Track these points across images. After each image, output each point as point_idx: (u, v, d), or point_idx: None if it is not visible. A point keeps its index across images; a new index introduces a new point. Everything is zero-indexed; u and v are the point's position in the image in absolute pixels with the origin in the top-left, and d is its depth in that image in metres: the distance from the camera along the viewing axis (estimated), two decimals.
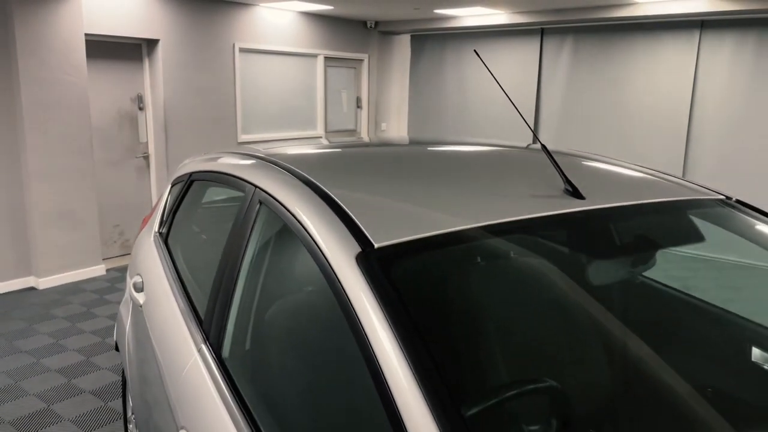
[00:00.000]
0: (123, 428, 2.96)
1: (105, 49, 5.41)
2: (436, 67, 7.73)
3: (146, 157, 5.86)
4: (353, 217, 1.22)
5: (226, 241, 1.63)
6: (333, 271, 1.12)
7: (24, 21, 4.52)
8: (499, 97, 7.22)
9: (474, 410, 1.09)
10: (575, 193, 1.38)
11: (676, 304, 1.66)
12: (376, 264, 1.09)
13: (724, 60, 5.80)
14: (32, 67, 4.61)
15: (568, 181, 1.40)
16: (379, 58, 7.96)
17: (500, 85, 1.80)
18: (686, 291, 1.72)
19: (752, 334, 1.67)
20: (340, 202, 1.28)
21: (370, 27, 7.71)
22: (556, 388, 1.18)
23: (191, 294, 1.79)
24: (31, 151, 4.69)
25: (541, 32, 6.83)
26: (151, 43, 5.67)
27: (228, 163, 1.90)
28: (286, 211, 1.36)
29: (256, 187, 1.57)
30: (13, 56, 4.55)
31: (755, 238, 1.57)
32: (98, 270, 5.24)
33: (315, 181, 1.42)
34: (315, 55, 7.22)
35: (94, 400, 3.22)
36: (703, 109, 5.97)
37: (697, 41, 5.88)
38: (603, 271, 1.30)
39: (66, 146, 4.89)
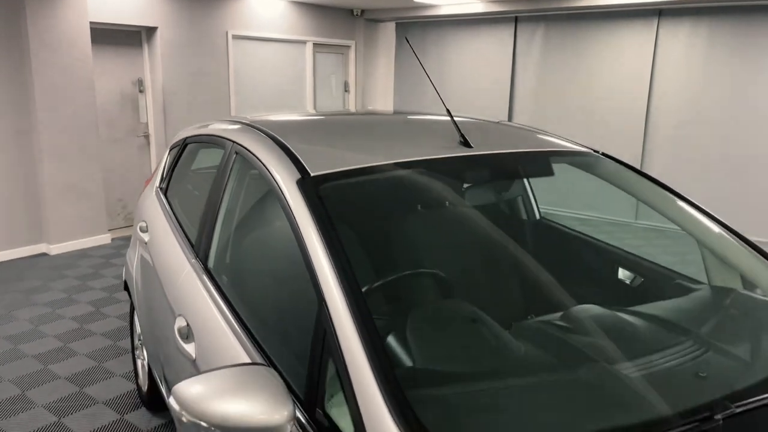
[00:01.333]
0: (131, 358, 3.48)
1: (108, 36, 5.88)
2: (419, 53, 8.19)
3: (146, 137, 6.35)
4: (298, 156, 1.72)
5: (211, 185, 2.14)
6: (281, 191, 1.62)
7: (35, 11, 4.99)
8: (476, 79, 7.69)
9: (375, 285, 1.61)
10: (466, 143, 1.88)
11: (531, 222, 2.17)
12: (310, 186, 1.59)
13: (679, 46, 6.29)
14: (43, 54, 5.08)
15: (462, 135, 1.90)
16: (365, 44, 8.42)
17: (427, 74, 2.30)
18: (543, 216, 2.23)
19: (613, 255, 2.18)
20: (290, 148, 1.78)
21: (357, 15, 8.17)
22: (439, 275, 1.69)
23: (185, 228, 2.29)
24: (43, 129, 5.17)
25: (515, 20, 7.30)
26: (150, 31, 6.14)
27: (214, 127, 2.40)
28: (253, 156, 1.86)
29: (234, 142, 2.07)
30: (26, 44, 5.02)
31: (612, 180, 2.07)
32: (104, 239, 5.75)
33: (277, 136, 1.92)
34: (304, 42, 7.68)
35: (105, 340, 3.74)
36: (660, 91, 6.46)
37: (656, 28, 6.36)
38: (478, 195, 1.80)
39: (74, 125, 5.38)
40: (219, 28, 6.64)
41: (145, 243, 2.55)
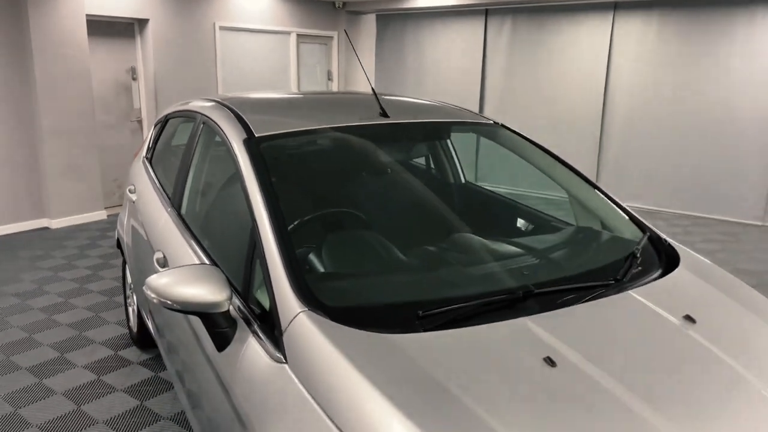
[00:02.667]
0: (124, 309, 3.99)
1: (103, 27, 6.36)
2: (398, 44, 8.67)
3: (139, 121, 6.84)
4: (248, 122, 2.22)
5: (184, 149, 2.64)
6: (233, 148, 2.12)
7: (36, 5, 5.47)
8: (450, 69, 8.18)
9: (304, 218, 2.11)
10: (384, 114, 2.38)
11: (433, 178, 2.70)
12: (253, 144, 2.09)
13: (633, 37, 6.79)
14: (43, 44, 5.57)
15: (381, 107, 2.40)
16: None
17: (362, 65, 2.80)
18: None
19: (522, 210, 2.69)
20: (243, 117, 2.28)
21: (339, 7, 8.63)
22: (356, 215, 2.20)
23: (164, 187, 2.80)
24: (44, 113, 5.67)
25: (485, 12, 7.78)
26: (142, 22, 6.62)
27: (189, 105, 2.90)
28: (215, 124, 2.36)
29: (202, 114, 2.57)
30: (27, 35, 5.51)
31: (509, 146, 2.57)
32: (100, 215, 6.26)
33: (235, 109, 2.42)
34: (288, 33, 8.15)
35: (101, 297, 4.25)
36: (616, 80, 6.96)
37: (611, 21, 6.85)
38: (391, 154, 2.31)
39: (72, 110, 5.87)
40: (207, 20, 7.11)
41: (133, 202, 3.06)
